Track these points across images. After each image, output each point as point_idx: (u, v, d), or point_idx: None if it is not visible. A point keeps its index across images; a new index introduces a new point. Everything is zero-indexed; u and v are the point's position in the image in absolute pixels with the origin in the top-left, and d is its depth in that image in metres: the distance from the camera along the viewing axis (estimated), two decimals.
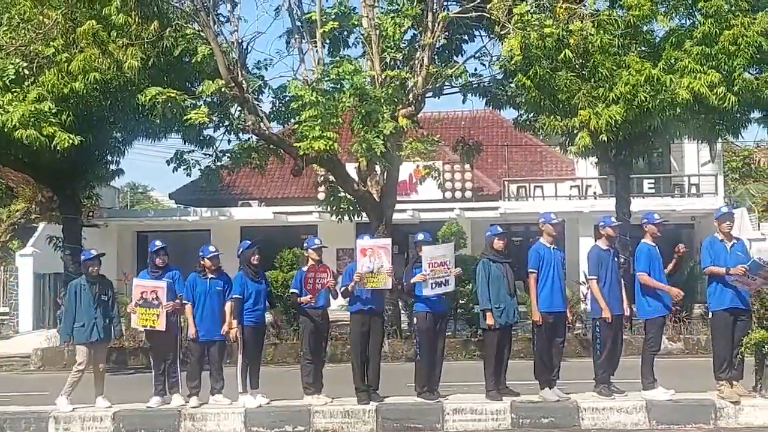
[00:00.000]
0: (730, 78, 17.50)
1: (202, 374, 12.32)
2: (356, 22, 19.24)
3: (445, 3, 19.93)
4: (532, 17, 17.76)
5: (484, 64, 20.89)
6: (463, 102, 21.33)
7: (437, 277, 11.79)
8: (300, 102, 17.28)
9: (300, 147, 17.31)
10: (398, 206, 21.71)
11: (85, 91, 17.85)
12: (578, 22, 18.01)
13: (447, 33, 19.91)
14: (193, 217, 30.74)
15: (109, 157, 22.84)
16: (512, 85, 19.53)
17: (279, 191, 34.88)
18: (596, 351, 11.83)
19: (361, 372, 11.90)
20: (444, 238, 18.57)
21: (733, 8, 17.63)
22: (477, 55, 20.85)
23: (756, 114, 19.30)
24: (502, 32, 18.24)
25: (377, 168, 19.70)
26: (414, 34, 19.92)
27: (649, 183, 31.10)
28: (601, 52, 17.99)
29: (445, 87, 20.29)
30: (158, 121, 18.77)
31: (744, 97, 17.63)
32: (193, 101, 18.60)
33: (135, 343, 19.35)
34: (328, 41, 19.44)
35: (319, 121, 16.98)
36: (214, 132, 21.09)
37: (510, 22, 17.74)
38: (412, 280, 11.94)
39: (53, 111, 17.56)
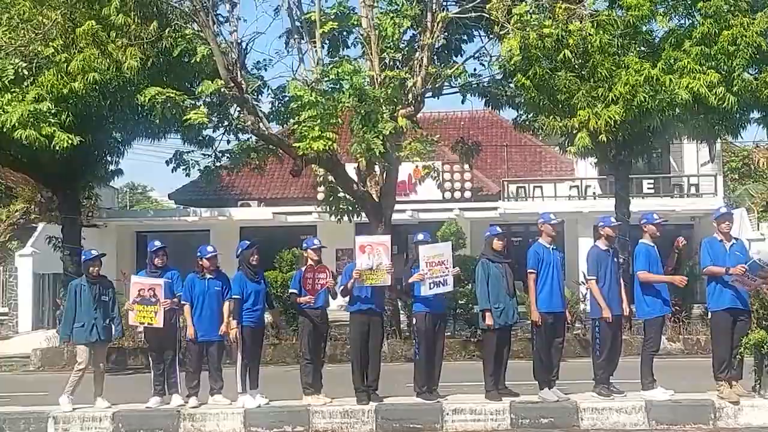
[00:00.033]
0: (730, 78, 17.52)
1: (201, 374, 12.32)
2: (355, 23, 19.23)
3: (445, 3, 19.93)
4: (531, 17, 17.78)
5: (483, 65, 20.91)
6: (463, 102, 21.33)
7: (435, 277, 11.78)
8: (299, 102, 17.27)
9: (299, 147, 17.31)
10: (397, 206, 21.69)
11: (84, 91, 17.85)
12: (577, 22, 18.03)
13: (446, 33, 19.93)
14: (192, 217, 30.71)
15: (109, 158, 22.87)
16: (511, 85, 19.56)
17: (278, 191, 34.87)
18: (596, 351, 11.83)
19: (360, 372, 11.90)
20: (443, 238, 18.57)
21: (732, 8, 17.65)
22: (476, 56, 20.87)
23: (755, 114, 19.30)
24: (501, 32, 18.26)
25: (376, 168, 19.70)
26: (413, 34, 19.92)
27: (648, 183, 31.10)
28: (601, 53, 18.01)
29: (444, 87, 20.27)
30: (157, 121, 18.80)
31: (743, 97, 17.66)
32: (193, 101, 18.61)
33: (134, 343, 19.34)
34: (327, 41, 19.43)
35: (319, 121, 16.97)
36: (213, 132, 21.15)
37: (509, 23, 17.75)
38: (410, 280, 11.95)
39: (52, 111, 17.56)
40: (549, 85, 18.25)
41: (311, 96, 17.05)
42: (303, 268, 12.23)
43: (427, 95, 19.95)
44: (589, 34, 17.89)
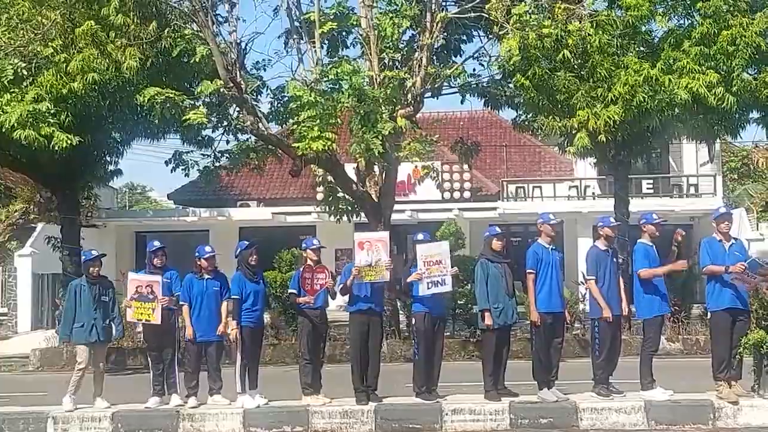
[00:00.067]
0: (729, 78, 17.53)
1: (200, 375, 12.32)
2: (355, 23, 19.24)
3: (444, 3, 19.93)
4: (530, 18, 17.80)
5: (482, 65, 20.90)
6: (462, 102, 21.32)
7: (433, 276, 11.77)
8: (298, 102, 17.27)
9: (298, 147, 17.31)
10: (397, 206, 21.70)
11: (83, 91, 17.85)
12: (577, 22, 18.04)
13: (445, 33, 19.94)
14: (191, 217, 30.71)
15: (108, 158, 22.87)
16: (511, 85, 19.56)
17: (277, 192, 34.87)
18: (595, 351, 11.82)
19: (360, 372, 11.89)
20: (442, 238, 18.56)
21: (731, 8, 17.67)
22: (475, 56, 20.86)
23: (754, 114, 19.32)
24: (500, 33, 18.27)
25: (376, 168, 19.70)
26: (412, 34, 19.91)
27: (647, 183, 31.13)
28: (600, 53, 18.02)
29: (443, 87, 20.27)
30: (157, 121, 18.82)
31: (742, 97, 17.67)
32: (192, 101, 18.63)
33: (134, 343, 19.33)
34: (326, 42, 19.43)
35: (318, 121, 16.97)
36: (212, 132, 21.15)
37: (508, 23, 17.76)
38: (408, 279, 11.95)
39: (51, 111, 17.55)
40: (548, 86, 18.26)
41: (310, 96, 17.06)
42: (302, 268, 12.23)
43: (426, 95, 19.96)
44: (589, 35, 17.90)
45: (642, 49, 18.78)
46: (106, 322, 12.36)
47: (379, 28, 18.67)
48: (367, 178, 19.82)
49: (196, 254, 12.44)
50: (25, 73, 18.05)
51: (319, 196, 23.63)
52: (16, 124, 17.14)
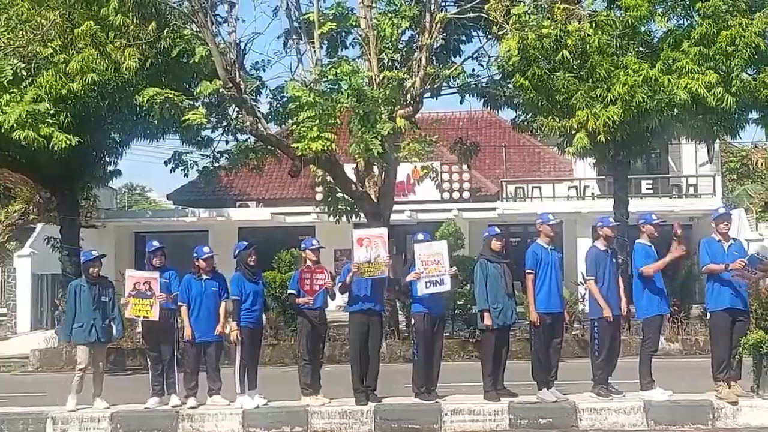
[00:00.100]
0: (728, 78, 17.54)
1: (199, 375, 12.31)
2: (354, 23, 19.26)
3: (443, 4, 19.92)
4: (529, 18, 17.82)
5: (481, 65, 20.92)
6: (461, 103, 21.35)
7: (431, 276, 11.76)
8: (298, 103, 17.28)
9: (298, 148, 17.32)
10: (396, 207, 21.70)
11: (82, 91, 17.85)
12: (576, 22, 18.06)
13: (445, 34, 19.93)
14: (190, 217, 30.70)
15: (107, 158, 22.86)
16: (510, 85, 19.56)
17: (277, 192, 34.86)
18: (594, 352, 11.82)
19: (359, 373, 11.89)
20: (441, 238, 18.54)
21: (730, 9, 17.69)
22: (475, 56, 20.88)
23: (753, 114, 19.33)
24: (499, 33, 18.28)
25: (375, 169, 19.70)
26: (412, 34, 19.91)
27: (647, 184, 31.13)
28: (599, 53, 18.03)
29: (442, 88, 20.28)
30: (156, 121, 18.81)
31: (742, 97, 17.69)
32: (191, 102, 18.64)
33: (133, 344, 19.30)
34: (325, 42, 19.44)
35: (317, 121, 16.97)
36: (211, 133, 21.16)
37: (508, 23, 17.77)
38: (407, 279, 11.95)
39: (51, 112, 17.54)
40: (547, 86, 18.27)
41: (310, 96, 17.06)
42: (301, 269, 12.23)
43: (425, 96, 19.97)
44: (588, 35, 17.91)
45: (641, 49, 18.79)
46: (106, 322, 12.35)
47: (379, 29, 18.68)
48: (366, 178, 19.82)
49: (194, 255, 12.43)
50: (25, 73, 18.04)
51: (319, 197, 23.63)
52: (15, 125, 17.13)
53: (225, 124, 20.62)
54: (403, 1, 18.72)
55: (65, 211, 22.28)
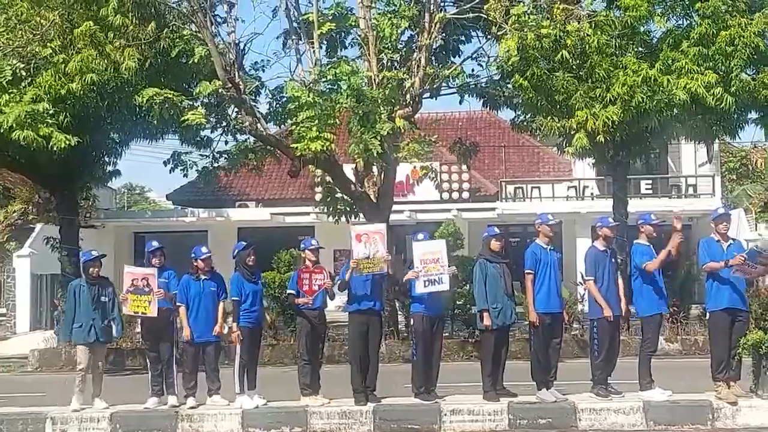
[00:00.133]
0: (727, 79, 17.54)
1: (198, 375, 12.31)
2: (353, 23, 19.26)
3: (442, 4, 19.93)
4: (529, 18, 17.82)
5: (481, 65, 20.92)
6: (460, 103, 21.34)
7: (430, 275, 11.75)
8: (297, 103, 17.29)
9: (297, 148, 17.32)
10: (395, 207, 21.70)
11: (82, 92, 17.85)
12: (575, 22, 18.07)
13: (444, 34, 19.92)
14: (190, 218, 30.72)
15: (106, 158, 22.85)
16: (509, 85, 19.56)
17: (276, 192, 34.87)
18: (594, 352, 11.81)
19: (359, 373, 11.88)
20: (441, 238, 18.55)
21: (730, 9, 17.69)
22: (474, 56, 20.89)
23: (753, 114, 19.32)
24: (499, 33, 18.29)
25: (374, 169, 19.70)
26: (411, 35, 19.92)
27: (646, 184, 31.14)
28: (598, 53, 18.03)
29: (442, 88, 20.27)
30: (155, 122, 18.81)
31: (741, 97, 17.69)
32: (190, 102, 18.64)
33: (132, 344, 19.30)
34: (325, 42, 19.44)
35: (316, 122, 16.98)
36: (211, 133, 21.16)
37: (507, 23, 17.78)
38: (405, 278, 11.95)
39: (50, 112, 17.55)
40: (547, 86, 18.27)
41: (309, 97, 17.07)
42: (300, 269, 12.23)
43: (424, 96, 19.96)
44: (587, 35, 17.91)
45: (640, 49, 18.79)
46: (105, 322, 12.33)
47: (378, 29, 18.67)
48: (365, 178, 19.81)
49: (193, 255, 12.42)
50: (24, 73, 18.05)
51: (318, 197, 23.62)
52: (14, 125, 17.15)
53: (224, 124, 20.63)
54: (402, 2, 18.72)
55: (64, 211, 22.28)
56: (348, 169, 20.49)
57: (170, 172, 21.08)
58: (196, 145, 21.35)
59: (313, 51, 18.85)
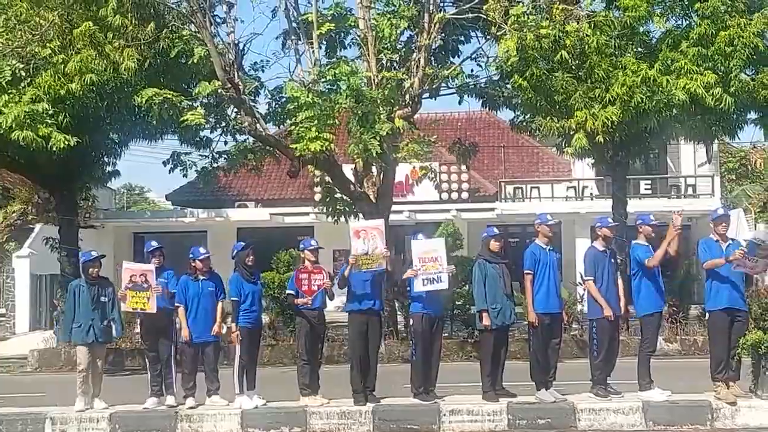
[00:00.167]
0: (727, 79, 17.55)
1: (197, 375, 12.31)
2: (352, 24, 19.25)
3: (442, 4, 19.91)
4: (528, 18, 17.82)
5: (480, 66, 20.92)
6: (460, 103, 21.36)
7: (428, 273, 11.75)
8: (296, 103, 17.30)
9: (296, 148, 17.33)
10: (395, 207, 21.70)
11: (81, 92, 17.85)
12: (575, 23, 18.07)
13: (443, 34, 19.92)
14: (189, 218, 30.70)
15: (106, 159, 22.88)
16: (509, 86, 19.57)
17: (275, 192, 34.85)
18: (593, 352, 11.81)
19: (359, 373, 11.88)
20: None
21: (729, 9, 17.69)
22: (473, 57, 20.89)
23: (752, 115, 19.34)
24: (498, 33, 18.30)
25: (374, 169, 19.69)
26: (410, 35, 19.92)
27: (645, 184, 31.13)
28: (598, 53, 18.03)
29: (441, 88, 20.27)
30: (155, 122, 18.81)
31: (740, 98, 17.69)
32: (190, 102, 18.65)
33: (132, 344, 19.31)
34: (324, 42, 19.43)
35: (316, 122, 16.99)
36: (210, 133, 21.16)
37: (506, 24, 17.78)
38: (404, 276, 11.95)
39: (49, 112, 17.56)
40: (546, 86, 18.27)
41: (308, 97, 17.07)
42: (299, 269, 12.24)
43: (424, 96, 19.96)
44: (586, 35, 17.91)
45: (640, 49, 18.80)
46: (105, 322, 12.32)
47: (377, 29, 18.66)
48: (365, 178, 19.81)
49: (191, 256, 12.42)
50: (23, 73, 18.05)
51: (317, 197, 23.63)
52: (13, 125, 17.16)
53: (224, 124, 20.62)
54: (401, 2, 18.70)
55: (64, 212, 22.28)
56: (347, 170, 20.49)
57: (169, 173, 21.12)
58: (196, 146, 21.36)
59: (313, 51, 18.84)
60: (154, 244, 12.72)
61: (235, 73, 18.47)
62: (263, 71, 20.57)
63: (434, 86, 19.68)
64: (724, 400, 11.12)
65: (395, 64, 19.23)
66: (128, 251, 31.19)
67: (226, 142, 21.14)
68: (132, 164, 74.86)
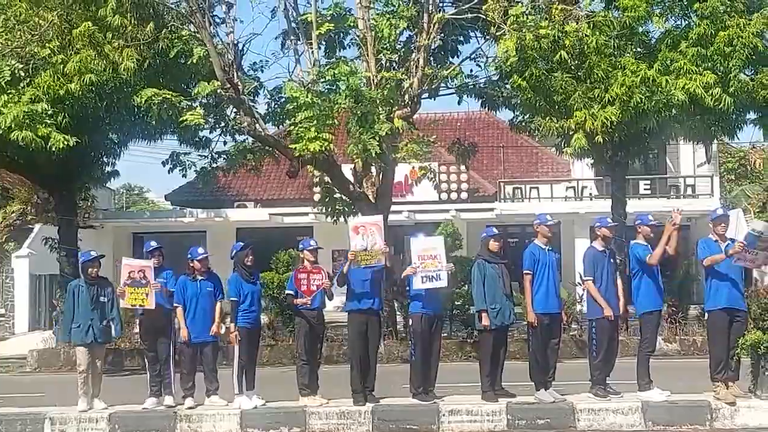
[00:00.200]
0: (726, 79, 17.56)
1: (196, 375, 12.31)
2: (352, 24, 19.26)
3: (441, 4, 19.91)
4: (527, 18, 17.82)
5: (479, 66, 20.94)
6: (459, 103, 21.39)
7: (427, 271, 11.75)
8: (295, 103, 17.30)
9: (296, 148, 17.34)
10: (394, 207, 21.70)
11: (80, 92, 17.86)
12: (574, 23, 18.08)
13: (442, 34, 19.92)
14: (188, 218, 30.69)
15: (105, 159, 22.89)
16: (508, 86, 19.58)
17: (275, 192, 34.85)
18: (592, 352, 11.81)
19: (359, 373, 11.87)
20: None
21: (728, 9, 17.69)
22: (472, 57, 20.90)
23: (751, 115, 19.34)
24: (497, 33, 18.31)
25: (373, 169, 19.70)
26: (409, 35, 19.93)
27: (644, 184, 31.12)
28: (597, 54, 18.04)
29: (440, 88, 20.27)
30: (154, 122, 18.81)
31: (739, 98, 17.70)
32: (189, 103, 18.65)
33: (131, 344, 19.31)
34: (323, 43, 19.43)
35: (315, 122, 16.99)
36: (209, 133, 21.17)
37: (505, 24, 17.79)
38: (403, 274, 11.95)
39: (49, 112, 17.58)
40: (545, 86, 18.27)
41: (307, 97, 17.07)
42: (298, 269, 12.23)
43: (423, 96, 19.96)
44: (586, 35, 17.92)
45: (639, 50, 18.80)
46: (104, 322, 12.32)
47: (376, 29, 18.67)
48: (364, 179, 19.82)
49: (189, 256, 12.42)
50: (23, 74, 18.06)
51: (316, 197, 23.61)
52: (13, 125, 17.18)
53: (223, 124, 20.63)
54: (400, 2, 18.71)
55: (63, 212, 22.28)
56: (346, 170, 20.50)
57: (169, 173, 21.11)
58: (195, 146, 21.36)
59: (312, 51, 18.84)
60: (154, 244, 12.72)
61: (235, 74, 18.48)
62: (262, 71, 20.60)
63: (433, 86, 19.68)
64: (723, 401, 11.12)
65: (394, 64, 19.23)
66: (127, 251, 31.09)
67: (225, 143, 21.19)
68: (131, 164, 74.87)
